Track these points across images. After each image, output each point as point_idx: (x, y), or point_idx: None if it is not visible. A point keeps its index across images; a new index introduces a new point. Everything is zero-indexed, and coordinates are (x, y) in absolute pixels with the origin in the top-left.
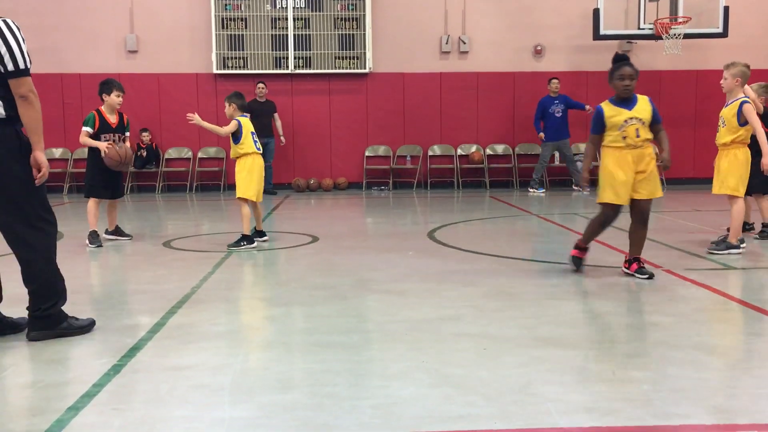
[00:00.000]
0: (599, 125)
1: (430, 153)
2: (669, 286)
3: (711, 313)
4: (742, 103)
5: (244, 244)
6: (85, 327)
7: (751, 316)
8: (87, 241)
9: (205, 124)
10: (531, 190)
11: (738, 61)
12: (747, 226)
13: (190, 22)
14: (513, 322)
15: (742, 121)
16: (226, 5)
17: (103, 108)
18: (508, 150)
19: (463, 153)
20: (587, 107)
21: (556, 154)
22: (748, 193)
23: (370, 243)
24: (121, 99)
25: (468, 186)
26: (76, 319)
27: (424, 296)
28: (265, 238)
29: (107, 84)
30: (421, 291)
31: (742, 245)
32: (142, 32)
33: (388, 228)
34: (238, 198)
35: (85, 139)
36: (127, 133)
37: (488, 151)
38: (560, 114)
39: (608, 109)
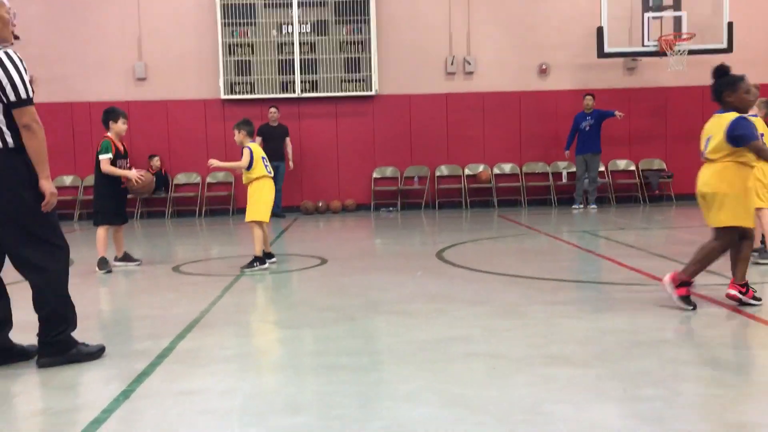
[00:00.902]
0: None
1: (437, 173)
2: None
3: (721, 329)
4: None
5: (257, 265)
6: (95, 353)
7: (762, 331)
8: (97, 268)
9: (225, 164)
10: (574, 207)
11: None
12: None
13: (198, 49)
14: (523, 341)
15: None
16: (233, 32)
17: (111, 135)
18: (516, 169)
19: (471, 173)
20: (617, 113)
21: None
22: None
23: (378, 264)
24: (126, 126)
25: (476, 205)
26: (86, 345)
27: (432, 316)
28: (273, 259)
29: (113, 112)
30: (429, 311)
31: None
32: (151, 60)
33: (396, 249)
34: (250, 221)
35: (110, 168)
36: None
37: (496, 170)
38: (589, 129)
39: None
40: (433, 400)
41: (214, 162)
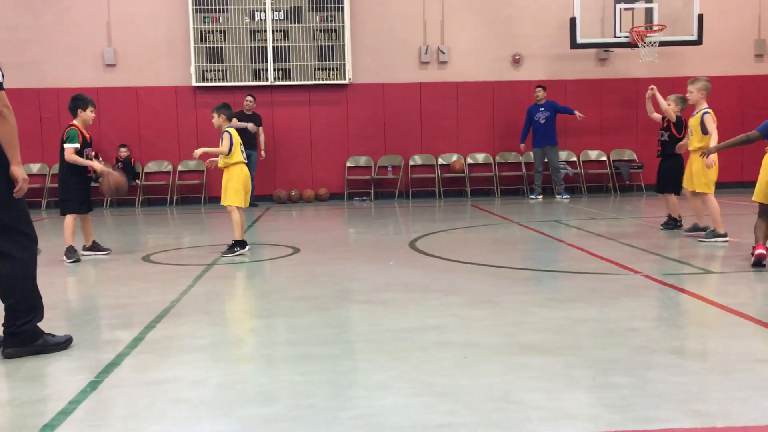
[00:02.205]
0: None
1: (411, 163)
2: (648, 291)
3: (689, 318)
4: (704, 114)
5: (237, 250)
6: (62, 344)
7: (729, 320)
8: (64, 257)
9: (208, 150)
10: (531, 197)
11: (701, 76)
12: (678, 223)
13: (169, 35)
14: (495, 329)
15: (705, 130)
16: (204, 18)
17: (78, 123)
18: (489, 159)
19: (444, 162)
20: (577, 114)
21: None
22: (661, 191)
23: (351, 253)
24: (94, 115)
25: (449, 195)
26: (53, 335)
27: (406, 306)
28: (247, 247)
29: (82, 100)
30: (403, 300)
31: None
32: (120, 46)
33: (369, 238)
34: (228, 206)
35: (74, 157)
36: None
37: (469, 160)
38: (544, 121)
39: None
40: (404, 389)
41: (198, 151)
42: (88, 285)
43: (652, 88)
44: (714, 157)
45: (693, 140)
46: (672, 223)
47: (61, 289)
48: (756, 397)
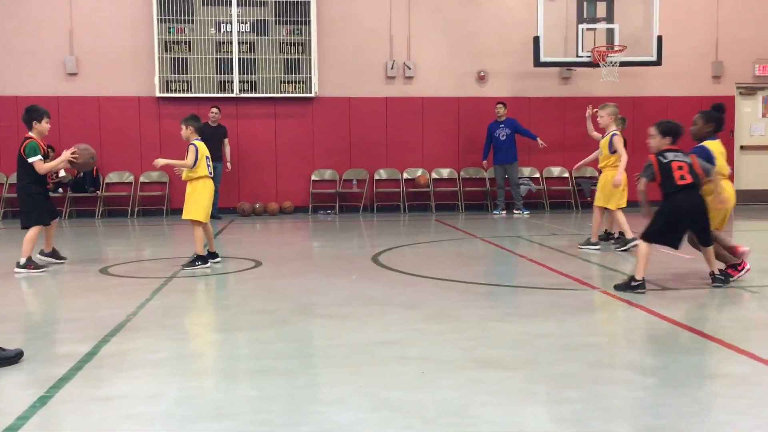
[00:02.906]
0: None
1: (376, 177)
2: (606, 306)
3: (644, 333)
4: (612, 135)
5: (198, 264)
6: (12, 358)
7: (682, 336)
8: (22, 269)
9: (170, 162)
10: (495, 213)
11: (609, 103)
12: (610, 236)
13: (133, 45)
14: (453, 344)
15: (612, 149)
16: (169, 28)
17: (34, 135)
18: (453, 174)
19: (409, 177)
20: (540, 142)
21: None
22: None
23: (314, 267)
24: (49, 126)
25: (414, 209)
26: (3, 349)
27: (365, 320)
28: (217, 259)
29: (36, 111)
30: (362, 315)
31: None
32: (83, 54)
33: (333, 252)
34: (190, 220)
35: (46, 167)
36: None
37: (434, 175)
38: (504, 137)
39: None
40: (361, 403)
41: (159, 161)
42: (44, 298)
43: (591, 107)
44: (623, 178)
45: (601, 159)
46: (620, 238)
47: (15, 301)
48: (705, 412)
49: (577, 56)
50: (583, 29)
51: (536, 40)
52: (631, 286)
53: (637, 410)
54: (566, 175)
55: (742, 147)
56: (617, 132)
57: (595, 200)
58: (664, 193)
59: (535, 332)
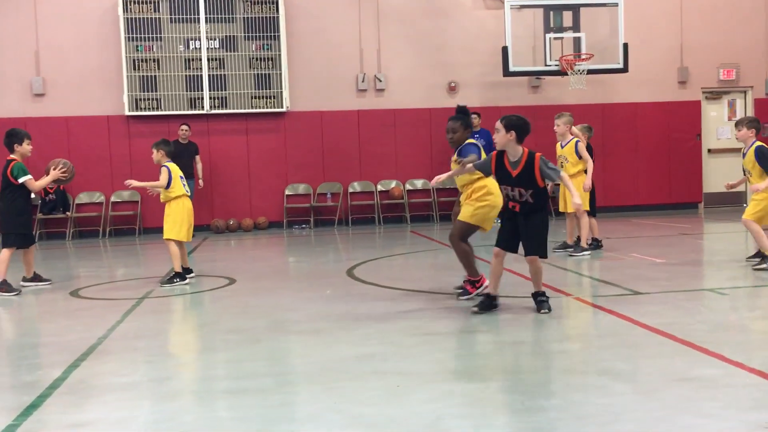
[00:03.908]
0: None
1: (350, 190)
2: (579, 313)
3: (617, 338)
4: (576, 143)
5: (177, 281)
6: None
7: (654, 340)
8: None
9: (143, 184)
10: None
11: (565, 112)
12: (597, 242)
13: (100, 64)
14: (427, 357)
15: (579, 156)
16: (137, 46)
17: (17, 158)
18: (427, 184)
19: (383, 189)
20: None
21: None
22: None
23: (288, 283)
24: (30, 147)
25: (389, 221)
26: None
27: (339, 335)
28: (191, 274)
29: (16, 135)
30: (336, 330)
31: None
32: (49, 74)
33: (307, 267)
34: (166, 239)
35: (39, 184)
36: None
37: (408, 186)
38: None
39: None
40: (334, 420)
41: (132, 182)
42: (12, 323)
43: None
44: (589, 182)
45: (568, 167)
46: (595, 244)
47: None
48: (675, 416)
49: (546, 65)
50: (550, 38)
51: (504, 50)
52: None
53: (609, 416)
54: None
55: (709, 150)
56: (580, 138)
57: (568, 207)
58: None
59: (509, 341)
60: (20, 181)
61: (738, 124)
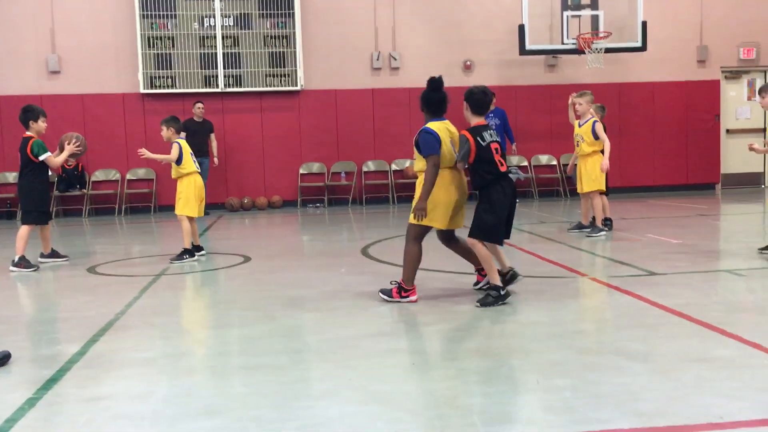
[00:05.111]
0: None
1: (364, 169)
2: (594, 293)
3: (632, 319)
4: (594, 123)
5: (186, 258)
6: (0, 360)
7: (670, 321)
8: (15, 267)
9: (156, 156)
10: None
11: (586, 91)
12: (607, 221)
13: (115, 41)
14: (442, 335)
15: (596, 136)
16: (152, 24)
17: (32, 134)
18: None
19: (398, 168)
20: (513, 148)
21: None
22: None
23: (303, 261)
24: (45, 125)
25: (403, 200)
26: None
27: (354, 313)
28: (203, 252)
29: (32, 111)
30: (351, 308)
31: (605, 229)
32: (65, 52)
33: (322, 245)
34: (179, 215)
35: (58, 161)
36: None
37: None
38: (494, 127)
39: None
40: (350, 397)
41: (144, 151)
42: (32, 299)
43: (573, 95)
44: (607, 162)
45: (584, 146)
46: (609, 224)
47: (2, 302)
48: (692, 396)
49: (563, 43)
50: (567, 16)
51: (521, 28)
52: (496, 297)
53: (625, 396)
54: (554, 162)
55: (728, 131)
56: (597, 119)
57: (584, 187)
58: (480, 180)
59: (525, 321)
60: (41, 158)
61: (762, 91)
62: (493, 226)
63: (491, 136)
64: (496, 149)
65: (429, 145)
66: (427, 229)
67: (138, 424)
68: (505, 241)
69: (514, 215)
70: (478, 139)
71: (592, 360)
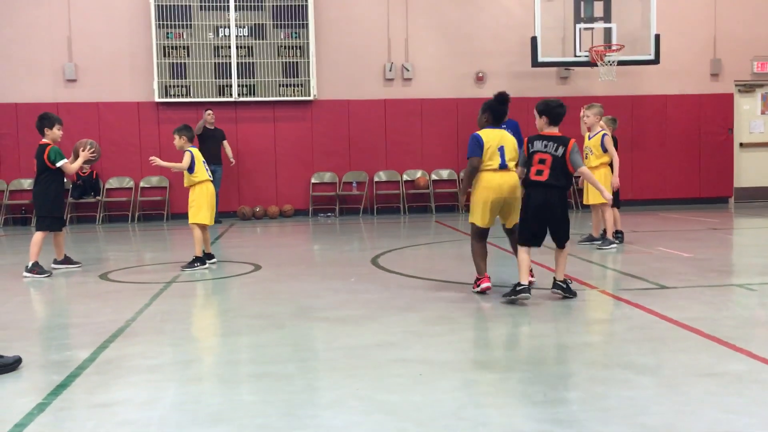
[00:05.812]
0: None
1: (375, 179)
2: (603, 306)
3: (641, 332)
4: (603, 136)
5: (197, 266)
6: (11, 365)
7: (680, 335)
8: (29, 273)
9: (167, 164)
10: None
11: (595, 103)
12: (618, 234)
13: (131, 50)
14: (450, 346)
15: (605, 149)
16: (167, 33)
17: (48, 141)
18: (453, 174)
19: (409, 178)
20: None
21: None
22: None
23: (312, 270)
24: (61, 133)
25: (414, 211)
26: (1, 356)
27: (362, 323)
28: (214, 260)
29: (48, 119)
30: (360, 317)
31: (616, 242)
32: (81, 61)
33: (332, 255)
34: (191, 223)
35: (74, 167)
36: None
37: (433, 176)
38: None
39: None
40: (356, 406)
41: (156, 159)
42: (43, 304)
43: (585, 107)
44: (617, 179)
45: (592, 159)
46: (620, 237)
47: (14, 308)
48: (700, 410)
49: (575, 56)
50: (580, 29)
51: (534, 40)
52: (515, 291)
53: (632, 410)
54: None
55: (741, 144)
56: (607, 132)
57: (590, 198)
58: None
59: (533, 333)
60: (57, 165)
61: None
62: (522, 229)
63: (544, 147)
64: (541, 160)
65: (470, 148)
66: (480, 228)
67: (145, 431)
68: (514, 252)
69: (555, 224)
70: (529, 146)
71: (600, 373)
